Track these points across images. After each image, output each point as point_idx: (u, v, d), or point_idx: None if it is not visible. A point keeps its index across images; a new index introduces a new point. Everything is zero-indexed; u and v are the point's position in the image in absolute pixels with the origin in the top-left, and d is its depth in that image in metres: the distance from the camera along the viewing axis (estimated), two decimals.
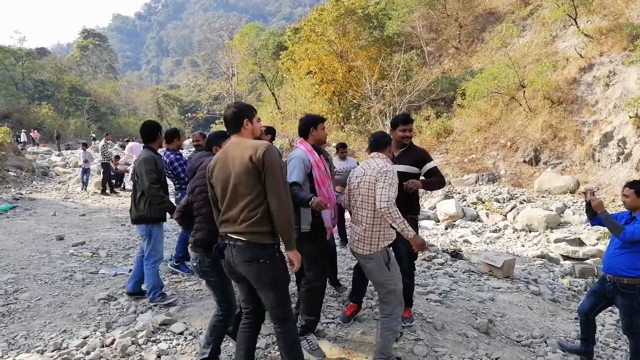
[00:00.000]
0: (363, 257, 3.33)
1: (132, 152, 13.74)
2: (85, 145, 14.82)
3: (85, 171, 14.08)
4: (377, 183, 3.20)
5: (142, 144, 4.74)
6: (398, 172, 3.44)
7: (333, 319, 4.15)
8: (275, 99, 31.36)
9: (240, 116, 2.82)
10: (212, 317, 3.30)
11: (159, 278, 4.73)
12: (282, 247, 2.82)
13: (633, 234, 3.75)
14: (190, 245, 3.33)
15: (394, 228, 3.21)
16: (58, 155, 23.55)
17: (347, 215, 7.27)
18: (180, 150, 5.97)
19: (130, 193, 4.79)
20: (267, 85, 32.76)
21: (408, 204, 3.80)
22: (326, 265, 3.86)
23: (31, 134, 30.00)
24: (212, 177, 2.84)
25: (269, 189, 2.62)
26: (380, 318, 3.35)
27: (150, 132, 4.58)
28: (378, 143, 3.51)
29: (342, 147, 7.15)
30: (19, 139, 26.64)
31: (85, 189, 13.97)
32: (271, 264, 2.69)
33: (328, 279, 4.20)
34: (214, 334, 3.22)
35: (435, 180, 4.06)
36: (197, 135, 5.76)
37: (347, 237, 3.55)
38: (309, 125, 3.67)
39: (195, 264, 3.26)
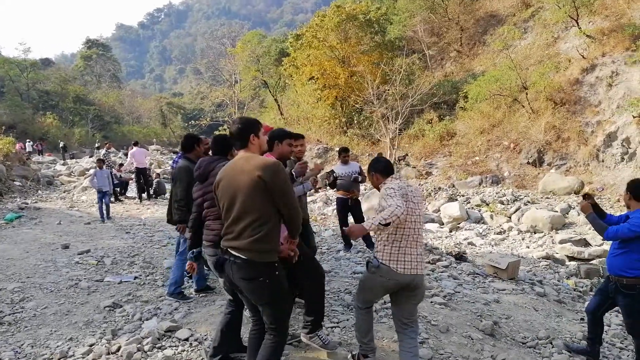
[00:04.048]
0: (423, 277, 3.31)
1: (133, 158, 13.74)
2: (102, 162, 11.42)
3: (104, 196, 10.58)
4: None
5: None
6: None
7: (338, 323, 4.16)
8: (278, 105, 31.46)
9: (246, 132, 2.82)
10: (223, 316, 3.38)
11: (184, 276, 5.05)
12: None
13: (616, 233, 3.81)
14: (205, 244, 3.49)
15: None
16: (63, 165, 23.67)
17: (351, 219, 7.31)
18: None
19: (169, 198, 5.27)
20: (270, 92, 32.87)
21: None
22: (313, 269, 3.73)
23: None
24: (218, 190, 2.85)
25: (282, 204, 2.70)
26: (411, 337, 3.23)
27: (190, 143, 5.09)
28: (391, 168, 3.45)
29: (344, 152, 7.18)
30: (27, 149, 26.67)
31: (108, 218, 10.65)
32: (270, 282, 2.70)
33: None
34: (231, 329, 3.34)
35: None
36: (207, 140, 5.90)
37: (395, 261, 3.17)
38: (274, 139, 3.65)
39: (214, 261, 3.31)
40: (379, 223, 2.94)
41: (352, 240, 7.54)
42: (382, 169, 3.38)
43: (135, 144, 14.99)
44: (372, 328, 3.45)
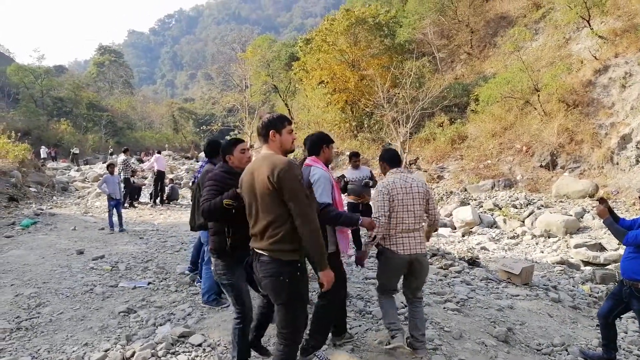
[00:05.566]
0: (424, 255, 3.68)
1: (157, 162, 14.25)
2: (112, 167, 10.36)
3: (117, 205, 9.83)
4: (430, 200, 3.69)
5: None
6: None
7: (350, 329, 4.15)
8: (289, 110, 31.55)
9: (267, 127, 2.82)
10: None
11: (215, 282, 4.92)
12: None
13: (636, 238, 3.76)
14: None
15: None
16: (77, 171, 23.98)
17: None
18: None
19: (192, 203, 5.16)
20: (280, 96, 32.98)
21: None
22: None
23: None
24: (242, 190, 2.86)
25: (295, 213, 2.61)
26: (419, 307, 3.71)
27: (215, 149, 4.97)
28: (397, 159, 3.79)
29: (355, 156, 7.16)
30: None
31: (121, 229, 9.85)
32: (289, 282, 2.68)
33: None
34: (235, 337, 3.32)
35: None
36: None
37: (395, 245, 3.63)
38: (322, 143, 3.66)
39: (213, 267, 3.43)
40: (369, 242, 3.67)
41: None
42: (387, 158, 3.80)
43: (159, 152, 17.03)
44: (391, 311, 3.71)
